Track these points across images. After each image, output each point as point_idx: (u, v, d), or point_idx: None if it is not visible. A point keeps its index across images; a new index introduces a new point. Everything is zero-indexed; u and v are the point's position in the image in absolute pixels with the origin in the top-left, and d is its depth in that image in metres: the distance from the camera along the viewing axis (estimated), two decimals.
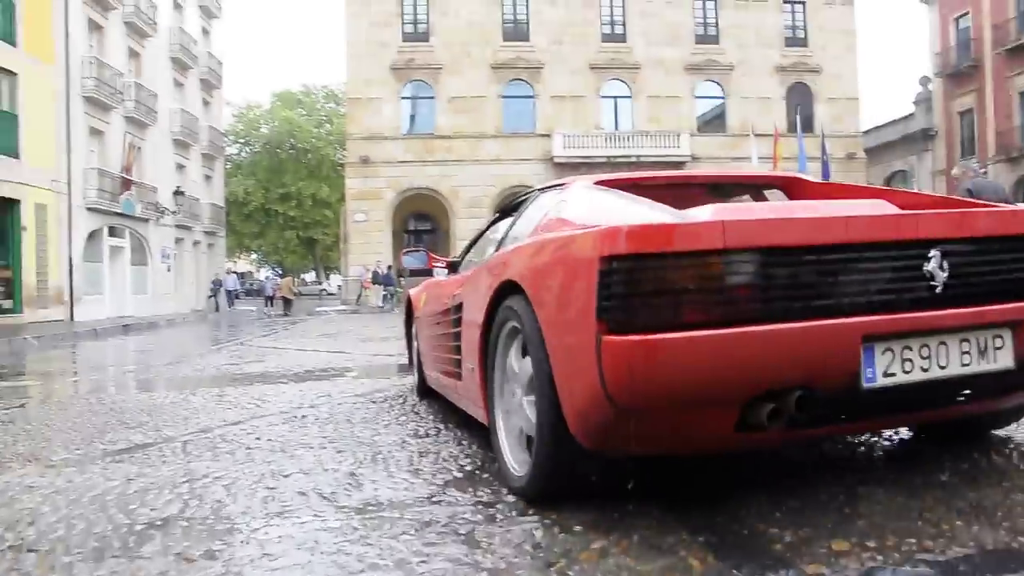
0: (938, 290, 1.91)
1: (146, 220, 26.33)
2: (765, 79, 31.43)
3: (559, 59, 30.37)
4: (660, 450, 2.03)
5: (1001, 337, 1.96)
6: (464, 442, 3.14)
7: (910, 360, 1.87)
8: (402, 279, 25.65)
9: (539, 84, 30.54)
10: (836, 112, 30.72)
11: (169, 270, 28.55)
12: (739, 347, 1.71)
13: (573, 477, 2.09)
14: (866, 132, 34.46)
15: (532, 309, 2.07)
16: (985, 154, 32.29)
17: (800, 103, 31.22)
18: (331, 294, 33.43)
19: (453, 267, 4.05)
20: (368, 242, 29.52)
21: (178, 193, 27.08)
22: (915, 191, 2.55)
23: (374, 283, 27.62)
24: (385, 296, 26.97)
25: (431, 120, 30.41)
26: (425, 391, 4.34)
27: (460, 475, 2.58)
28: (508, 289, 2.28)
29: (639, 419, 1.81)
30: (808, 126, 26.21)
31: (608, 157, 29.90)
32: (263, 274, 54.84)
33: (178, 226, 29.27)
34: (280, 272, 48.95)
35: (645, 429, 1.84)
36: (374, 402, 4.47)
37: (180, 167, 30.06)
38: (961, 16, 34.28)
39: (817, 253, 1.82)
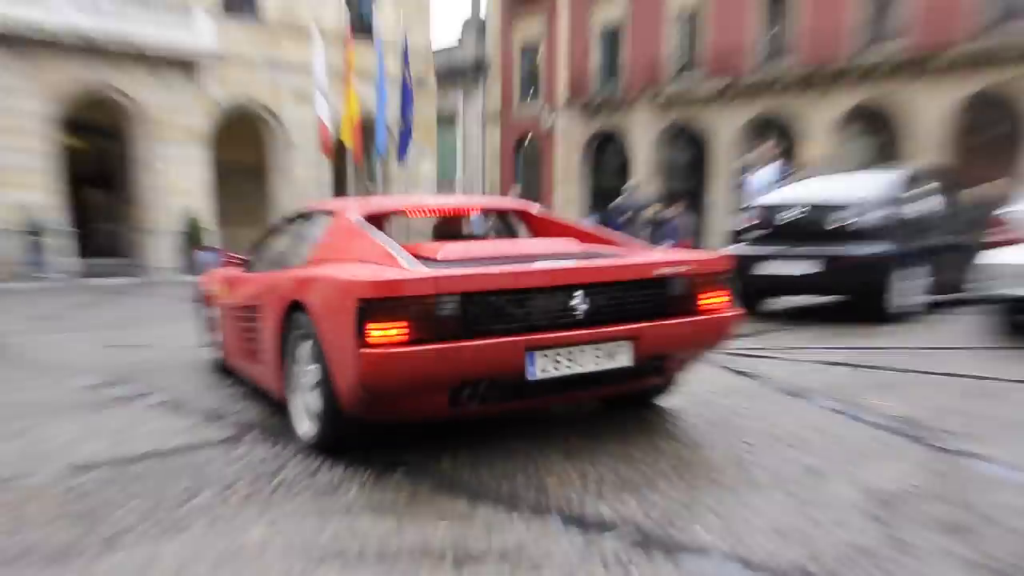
0: (579, 317, 2.98)
1: None
2: None
3: None
4: (403, 418, 3.20)
5: (622, 346, 3.05)
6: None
7: (559, 362, 2.94)
8: None
9: None
10: (406, 19, 23.58)
11: None
12: (442, 355, 2.73)
13: (342, 436, 3.16)
14: None
15: (314, 324, 3.07)
16: (554, 99, 28.94)
17: None
18: None
19: (246, 264, 4.79)
20: None
21: None
22: (593, 230, 4.03)
23: None
24: None
25: None
26: (225, 369, 5.08)
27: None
28: (296, 305, 3.25)
29: (384, 398, 2.87)
30: (367, 30, 19.27)
31: (80, 35, 18.18)
32: None
33: None
34: None
35: (389, 405, 2.93)
36: None
37: None
38: None
39: (497, 295, 2.86)
